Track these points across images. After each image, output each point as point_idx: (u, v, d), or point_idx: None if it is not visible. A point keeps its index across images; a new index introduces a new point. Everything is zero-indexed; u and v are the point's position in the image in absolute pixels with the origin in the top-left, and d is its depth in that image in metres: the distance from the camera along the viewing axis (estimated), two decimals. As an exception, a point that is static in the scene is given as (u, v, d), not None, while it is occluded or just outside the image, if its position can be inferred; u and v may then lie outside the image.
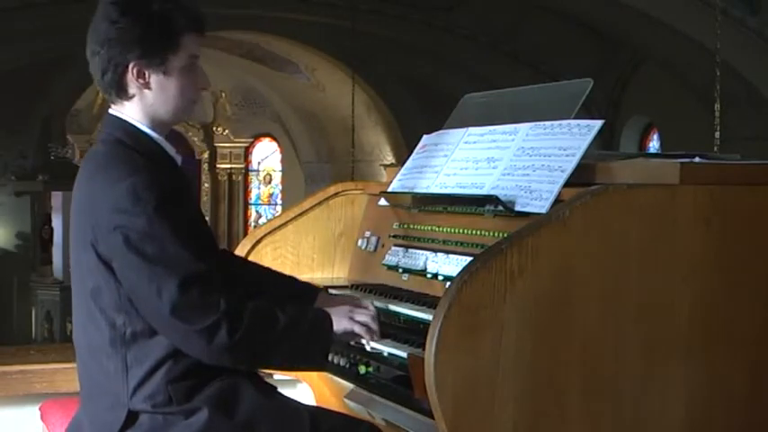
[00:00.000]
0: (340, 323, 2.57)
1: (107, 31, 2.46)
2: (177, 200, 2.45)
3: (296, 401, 2.69)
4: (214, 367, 2.47)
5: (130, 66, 2.47)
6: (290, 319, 2.49)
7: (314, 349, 2.53)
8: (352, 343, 2.69)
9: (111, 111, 2.58)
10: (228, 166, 18.39)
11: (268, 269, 3.02)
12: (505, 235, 2.36)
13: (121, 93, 2.51)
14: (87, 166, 2.56)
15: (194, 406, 2.45)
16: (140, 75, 2.49)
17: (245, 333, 2.38)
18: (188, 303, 2.35)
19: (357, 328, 2.59)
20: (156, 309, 2.37)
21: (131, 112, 2.53)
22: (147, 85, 2.50)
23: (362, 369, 2.79)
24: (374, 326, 2.62)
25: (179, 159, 2.60)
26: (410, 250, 3.01)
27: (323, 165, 17.13)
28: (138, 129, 2.52)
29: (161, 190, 2.39)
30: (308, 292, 2.89)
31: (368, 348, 2.66)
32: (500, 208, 2.67)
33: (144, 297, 2.38)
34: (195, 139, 17.94)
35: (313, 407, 2.80)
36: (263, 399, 2.55)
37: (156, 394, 2.43)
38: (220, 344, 2.36)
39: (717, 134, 6.63)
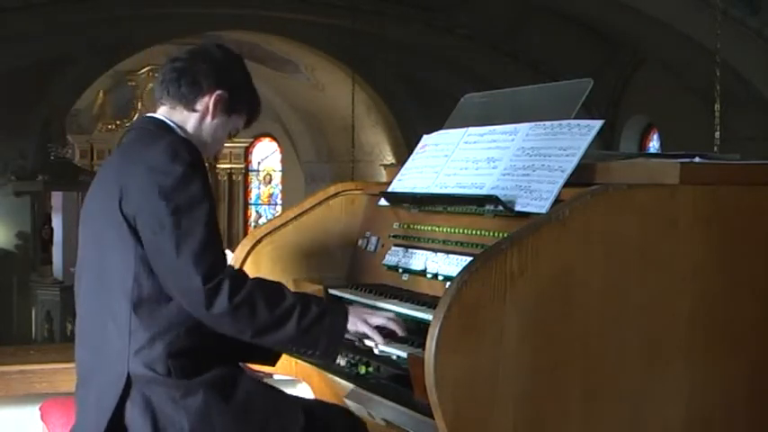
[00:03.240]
0: (354, 323, 2.62)
1: (218, 56, 2.76)
2: (204, 166, 2.59)
3: (291, 395, 2.71)
4: (213, 353, 2.53)
5: (219, 92, 2.70)
6: (299, 299, 2.55)
7: (322, 335, 2.56)
8: (360, 344, 2.70)
9: (149, 114, 2.74)
10: (228, 166, 18.37)
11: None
12: (505, 235, 2.36)
13: (188, 104, 2.70)
14: (117, 151, 2.73)
15: (192, 386, 2.50)
16: (216, 105, 2.70)
17: (245, 298, 2.45)
18: (204, 260, 2.44)
19: (369, 331, 2.62)
20: (172, 260, 2.45)
21: (179, 119, 2.70)
22: (212, 115, 2.71)
23: (362, 369, 2.79)
24: (394, 326, 2.65)
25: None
26: (410, 250, 3.01)
27: (323, 165, 17.12)
28: (172, 127, 2.68)
29: (195, 151, 2.56)
30: None
31: (376, 351, 2.66)
32: (500, 208, 2.67)
33: (162, 248, 2.46)
34: (195, 139, 17.92)
35: (308, 399, 2.82)
36: (259, 387, 2.62)
37: (155, 362, 2.49)
38: (221, 305, 2.43)
39: (717, 134, 6.63)
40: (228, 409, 2.51)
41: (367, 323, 2.63)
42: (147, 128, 2.68)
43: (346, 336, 2.63)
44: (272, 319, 2.50)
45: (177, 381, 2.50)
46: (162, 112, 2.72)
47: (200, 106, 2.70)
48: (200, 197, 2.49)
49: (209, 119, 2.71)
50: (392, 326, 2.64)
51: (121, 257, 2.52)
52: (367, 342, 2.67)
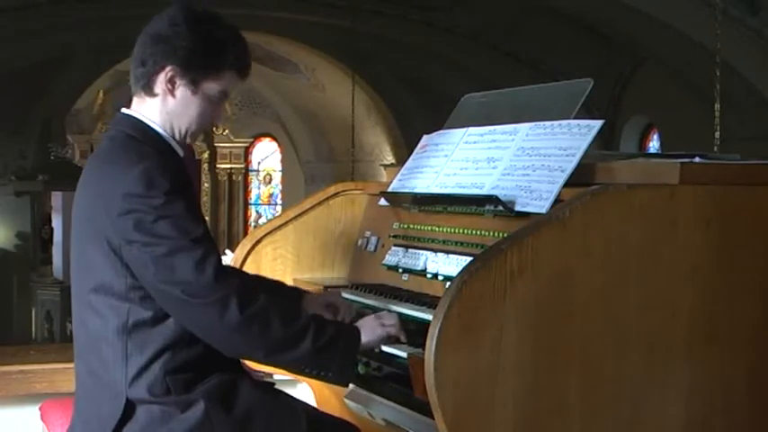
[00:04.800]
0: (370, 333, 2.58)
1: (163, 29, 2.54)
2: (187, 185, 2.50)
3: (294, 399, 2.69)
4: (212, 362, 2.49)
5: (167, 68, 2.53)
6: (313, 319, 2.50)
7: (337, 356, 2.49)
8: (377, 350, 2.68)
9: (123, 110, 2.63)
10: (228, 166, 18.37)
11: (255, 275, 3.05)
12: (505, 235, 2.36)
13: (147, 88, 2.57)
14: (94, 162, 2.61)
15: (191, 398, 2.46)
16: (171, 81, 2.55)
17: (258, 311, 2.39)
18: (202, 280, 2.37)
19: (393, 330, 2.60)
20: (170, 287, 2.38)
21: (148, 111, 2.58)
22: (172, 93, 2.56)
23: (362, 369, 2.79)
24: (399, 328, 2.63)
25: (182, 153, 2.64)
26: (410, 250, 3.01)
27: (323, 165, 17.13)
28: (149, 126, 2.57)
29: (173, 174, 2.44)
30: (294, 293, 2.94)
31: (376, 350, 2.66)
32: (500, 208, 2.67)
33: (157, 275, 2.39)
34: (195, 139, 17.94)
35: (310, 406, 2.80)
36: (260, 394, 2.57)
37: (154, 384, 2.45)
38: (231, 319, 2.37)
39: (717, 134, 6.63)
40: (229, 420, 2.47)
41: (383, 326, 2.60)
42: (125, 132, 2.56)
43: (371, 346, 2.59)
44: (286, 336, 2.43)
45: (177, 397, 2.46)
46: (134, 105, 2.60)
47: (158, 88, 2.55)
48: (185, 218, 2.40)
49: (170, 99, 2.55)
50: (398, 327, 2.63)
51: (113, 284, 2.45)
52: (385, 348, 2.65)
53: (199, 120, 2.59)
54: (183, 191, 2.44)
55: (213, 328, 2.40)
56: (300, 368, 2.51)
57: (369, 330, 2.58)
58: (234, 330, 2.39)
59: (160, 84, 2.55)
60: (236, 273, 2.46)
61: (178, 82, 2.55)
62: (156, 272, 2.39)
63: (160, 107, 2.57)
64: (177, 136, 2.60)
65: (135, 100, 2.62)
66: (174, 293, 2.39)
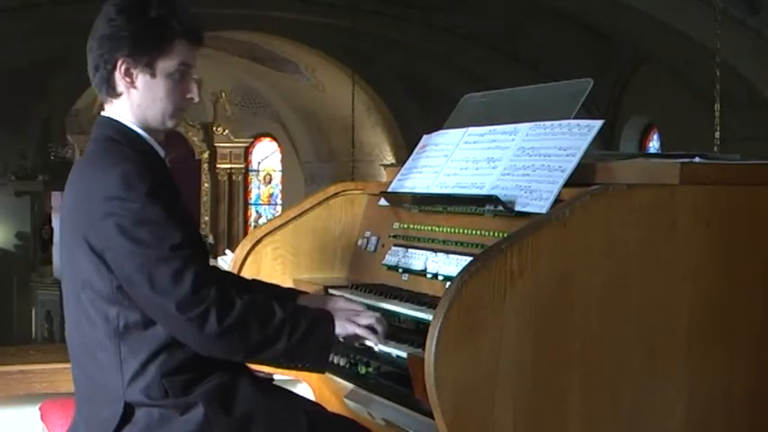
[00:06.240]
0: (343, 326, 2.59)
1: (102, 28, 2.55)
2: (167, 187, 2.49)
3: (294, 396, 2.70)
4: (210, 362, 2.49)
5: (119, 63, 2.53)
6: (288, 314, 2.50)
7: (312, 348, 2.52)
8: (357, 344, 2.70)
9: (102, 113, 2.63)
10: (228, 166, 18.38)
11: (253, 279, 3.04)
12: (505, 235, 2.36)
13: (110, 90, 2.57)
14: (78, 167, 2.62)
15: (190, 401, 2.46)
16: (127, 73, 2.54)
17: (236, 321, 2.40)
18: (180, 290, 2.37)
19: (360, 331, 2.60)
20: (149, 295, 2.39)
21: (120, 110, 2.58)
22: (133, 85, 2.55)
23: (362, 369, 2.79)
24: (379, 328, 2.63)
25: (162, 153, 2.63)
26: (410, 250, 3.01)
27: (323, 165, 17.12)
28: (127, 126, 2.57)
29: (152, 177, 2.44)
30: (289, 294, 2.93)
31: (376, 349, 2.66)
32: (500, 208, 2.67)
33: (137, 283, 2.40)
34: (195, 139, 17.95)
35: (311, 403, 2.80)
36: (260, 396, 2.57)
37: (151, 387, 2.45)
38: (211, 331, 2.38)
39: (717, 134, 6.63)
40: (229, 421, 2.47)
41: (356, 324, 2.61)
42: (106, 134, 2.56)
43: (341, 340, 2.61)
44: (263, 338, 2.45)
45: (176, 400, 2.46)
46: (107, 107, 2.60)
47: (120, 86, 2.54)
48: (164, 224, 2.39)
49: (134, 92, 2.54)
50: (379, 327, 2.62)
51: (100, 287, 2.46)
52: (367, 342, 2.67)
53: (169, 100, 2.57)
54: (162, 193, 2.44)
55: (194, 340, 2.42)
56: (278, 363, 2.56)
57: (342, 323, 2.59)
58: (213, 341, 2.40)
59: (119, 81, 2.55)
60: (214, 279, 2.43)
61: (134, 72, 2.54)
62: (135, 279, 2.39)
63: (129, 104, 2.57)
64: (157, 125, 2.59)
65: (106, 106, 2.62)
66: (154, 301, 2.40)
